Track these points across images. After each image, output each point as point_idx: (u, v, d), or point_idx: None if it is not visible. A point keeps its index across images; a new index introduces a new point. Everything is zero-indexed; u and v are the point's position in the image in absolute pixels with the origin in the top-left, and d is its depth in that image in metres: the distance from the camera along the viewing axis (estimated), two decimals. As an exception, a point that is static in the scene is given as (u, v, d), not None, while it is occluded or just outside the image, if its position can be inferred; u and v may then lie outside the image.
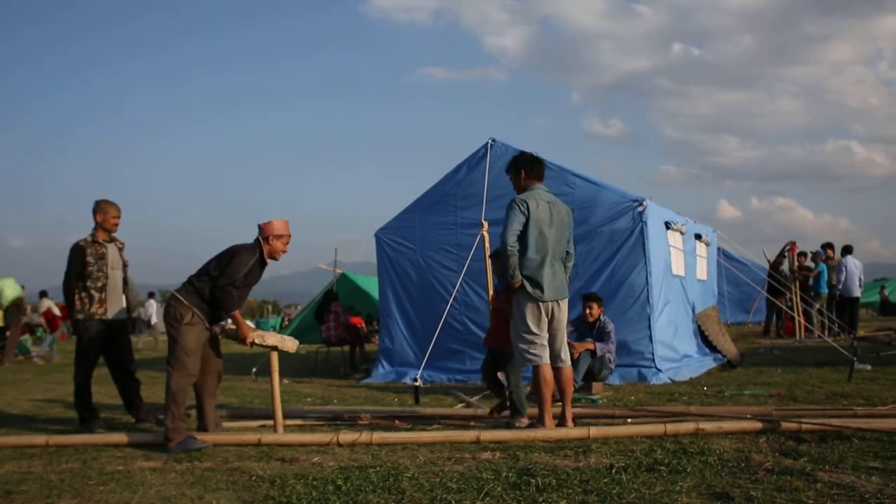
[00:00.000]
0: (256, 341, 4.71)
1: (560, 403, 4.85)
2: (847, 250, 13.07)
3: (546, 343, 4.78)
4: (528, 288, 4.70)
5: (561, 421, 4.77)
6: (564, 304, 4.89)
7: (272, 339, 4.82)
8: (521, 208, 4.72)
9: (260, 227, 4.83)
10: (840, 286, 12.80)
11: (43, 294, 18.54)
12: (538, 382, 4.72)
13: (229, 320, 4.79)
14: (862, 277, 13.08)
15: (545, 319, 4.77)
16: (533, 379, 4.82)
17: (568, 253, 4.95)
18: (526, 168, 4.94)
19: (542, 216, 4.76)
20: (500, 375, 5.30)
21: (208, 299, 4.61)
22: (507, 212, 4.78)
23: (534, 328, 4.72)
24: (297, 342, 4.97)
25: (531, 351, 4.73)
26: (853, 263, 12.80)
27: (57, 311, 18.10)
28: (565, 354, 4.88)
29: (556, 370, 4.82)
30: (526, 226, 4.72)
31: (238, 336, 4.71)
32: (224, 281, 4.56)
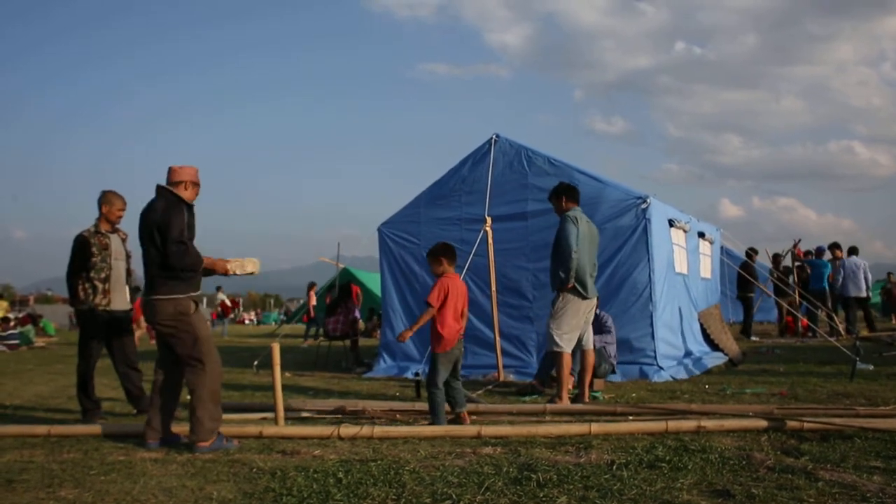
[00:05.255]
0: (237, 272, 4.46)
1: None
2: (852, 251, 13.09)
3: (576, 336, 5.82)
4: (578, 288, 5.76)
5: (578, 398, 5.84)
6: (595, 302, 6.05)
7: (249, 265, 4.53)
8: (575, 223, 5.77)
9: (175, 172, 4.33)
10: (838, 285, 12.85)
11: (218, 288, 22.67)
12: (561, 365, 5.74)
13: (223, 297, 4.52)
14: (868, 276, 13.01)
15: (583, 314, 5.84)
16: (557, 363, 5.81)
17: (594, 264, 6.01)
18: (566, 194, 5.99)
19: (585, 232, 5.83)
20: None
21: (182, 276, 4.20)
22: (564, 224, 5.80)
23: (573, 321, 5.77)
24: (257, 262, 4.61)
25: (565, 339, 5.73)
26: (853, 263, 12.81)
27: (228, 302, 22.59)
28: (588, 339, 5.96)
29: (585, 352, 5.93)
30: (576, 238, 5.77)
31: (220, 272, 4.41)
32: (177, 246, 4.12)
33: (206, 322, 4.43)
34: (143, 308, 4.38)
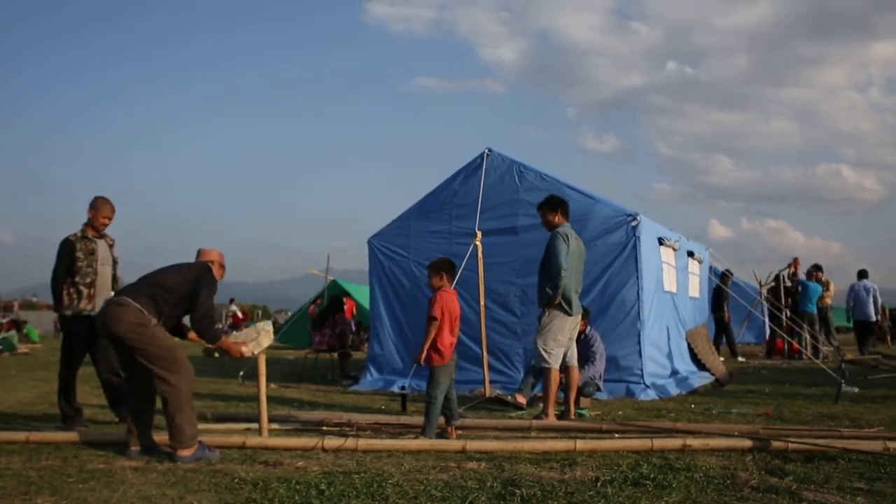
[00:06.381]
0: (255, 352, 4.67)
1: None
2: (862, 275, 13.23)
3: (563, 352, 5.80)
4: (564, 305, 5.73)
5: (564, 415, 5.88)
6: (580, 318, 6.10)
7: (265, 340, 4.76)
8: (566, 240, 5.74)
9: (205, 252, 4.74)
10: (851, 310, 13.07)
11: (231, 300, 22.99)
12: (549, 382, 5.71)
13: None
14: (878, 300, 13.14)
15: (569, 331, 5.83)
16: (544, 379, 5.78)
17: (579, 280, 6.01)
18: (560, 208, 5.96)
19: (574, 249, 5.81)
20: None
21: (165, 315, 4.28)
22: (555, 241, 5.76)
23: (560, 337, 5.75)
24: (270, 329, 4.90)
25: (553, 355, 5.71)
26: (862, 286, 12.96)
27: (240, 314, 22.40)
28: (572, 356, 6.00)
29: (569, 368, 5.95)
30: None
31: (234, 356, 4.62)
32: (206, 316, 4.37)
33: (167, 333, 4.35)
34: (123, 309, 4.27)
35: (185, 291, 4.35)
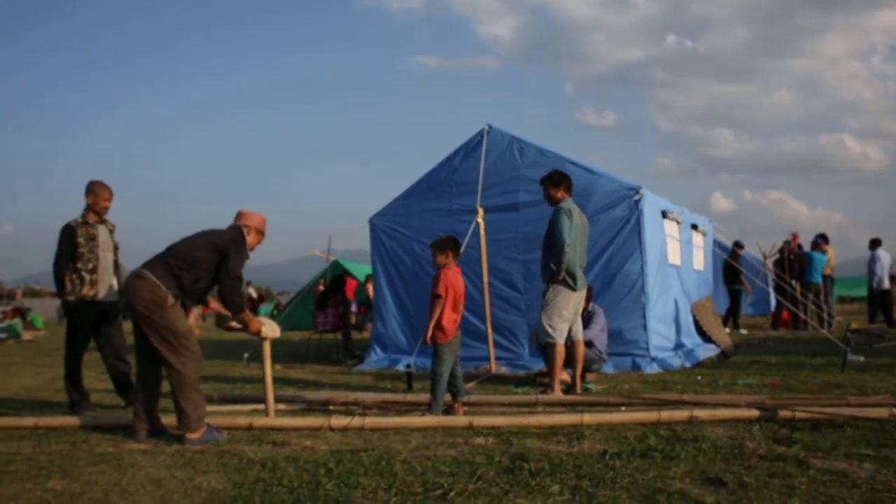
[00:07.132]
0: (270, 335, 4.68)
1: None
2: (876, 243, 13.21)
3: (567, 327, 5.81)
4: (568, 280, 5.72)
5: (570, 388, 5.86)
6: (584, 293, 6.08)
7: (277, 330, 4.81)
8: (569, 215, 5.73)
9: (244, 215, 4.55)
10: (877, 278, 13.09)
11: (248, 283, 22.31)
12: (554, 357, 5.72)
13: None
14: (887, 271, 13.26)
15: (573, 306, 5.84)
16: (550, 353, 5.76)
17: (583, 255, 6.00)
18: (564, 183, 5.93)
19: (577, 224, 5.81)
20: None
21: (185, 288, 4.22)
22: (559, 216, 5.74)
23: (565, 312, 5.76)
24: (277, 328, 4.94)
25: (558, 331, 5.72)
26: (887, 256, 13.03)
27: (255, 295, 22.18)
28: (577, 330, 5.97)
29: (575, 343, 5.93)
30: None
31: (251, 331, 4.59)
32: (235, 282, 4.26)
33: (183, 315, 4.32)
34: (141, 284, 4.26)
35: (212, 265, 4.25)
